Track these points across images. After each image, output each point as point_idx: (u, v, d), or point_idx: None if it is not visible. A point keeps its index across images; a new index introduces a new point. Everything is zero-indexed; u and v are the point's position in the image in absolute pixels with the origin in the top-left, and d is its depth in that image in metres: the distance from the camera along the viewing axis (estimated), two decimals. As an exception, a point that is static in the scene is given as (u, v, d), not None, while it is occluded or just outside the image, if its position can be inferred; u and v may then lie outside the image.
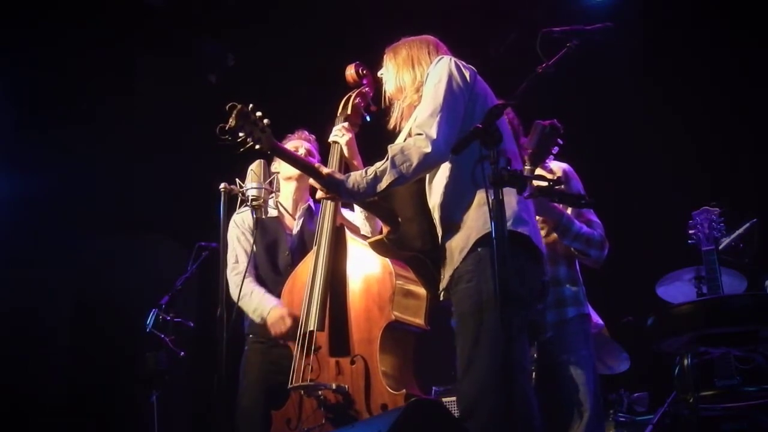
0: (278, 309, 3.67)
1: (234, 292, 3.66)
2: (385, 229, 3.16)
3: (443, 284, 2.96)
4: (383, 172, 2.87)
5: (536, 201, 3.13)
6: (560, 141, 3.55)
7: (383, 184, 2.88)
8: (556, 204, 3.49)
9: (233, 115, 2.88)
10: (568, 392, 3.42)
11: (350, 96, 3.72)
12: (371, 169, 2.91)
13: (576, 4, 5.91)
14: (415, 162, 2.85)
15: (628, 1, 5.77)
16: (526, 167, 3.48)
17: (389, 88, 3.26)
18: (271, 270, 3.89)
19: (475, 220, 2.86)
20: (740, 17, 5.49)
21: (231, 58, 6.31)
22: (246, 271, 3.76)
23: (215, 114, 2.95)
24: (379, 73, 3.33)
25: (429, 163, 2.89)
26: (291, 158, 3.20)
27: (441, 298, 3.03)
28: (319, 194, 3.10)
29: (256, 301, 3.75)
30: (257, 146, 2.95)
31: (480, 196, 2.86)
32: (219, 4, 5.96)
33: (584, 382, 3.42)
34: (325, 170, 3.04)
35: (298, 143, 4.01)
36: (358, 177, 2.93)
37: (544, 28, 2.72)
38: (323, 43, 5.85)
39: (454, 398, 4.27)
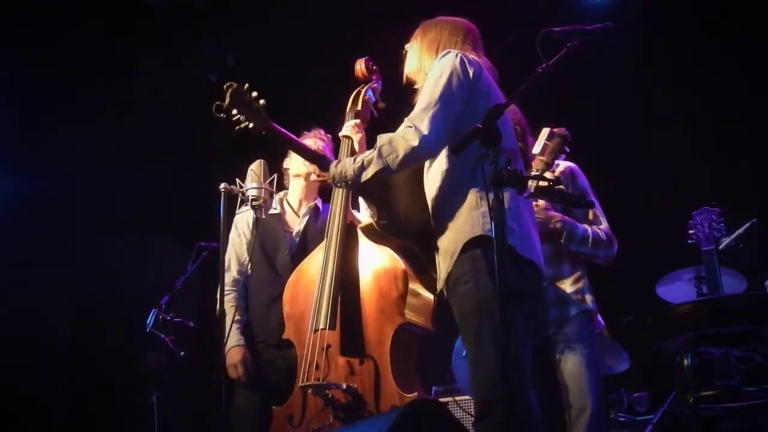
0: (238, 351, 3.76)
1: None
2: (376, 215, 3.15)
3: (440, 282, 2.96)
4: (369, 161, 2.87)
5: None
6: (567, 149, 3.54)
7: (368, 174, 2.87)
8: (554, 213, 3.48)
9: (228, 94, 2.96)
10: (569, 390, 3.41)
11: (360, 91, 3.67)
12: (359, 158, 2.91)
13: (576, 4, 5.91)
14: (401, 155, 2.82)
15: (628, 1, 5.77)
16: (533, 172, 3.47)
17: (409, 66, 3.20)
18: (268, 269, 3.87)
19: (464, 224, 2.84)
20: (740, 16, 5.49)
21: (232, 57, 6.31)
22: (234, 283, 3.90)
23: (215, 114, 2.96)
24: (406, 47, 3.24)
25: (416, 157, 2.87)
26: (285, 140, 3.16)
27: (436, 291, 3.04)
28: (313, 176, 3.11)
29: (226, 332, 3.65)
30: (250, 125, 2.97)
31: (471, 198, 2.85)
32: (220, 4, 5.96)
33: (586, 380, 3.41)
34: (319, 153, 3.03)
35: (311, 141, 3.90)
36: (347, 163, 2.94)
37: (544, 28, 2.72)
38: (323, 43, 5.85)
39: (453, 398, 4.29)
